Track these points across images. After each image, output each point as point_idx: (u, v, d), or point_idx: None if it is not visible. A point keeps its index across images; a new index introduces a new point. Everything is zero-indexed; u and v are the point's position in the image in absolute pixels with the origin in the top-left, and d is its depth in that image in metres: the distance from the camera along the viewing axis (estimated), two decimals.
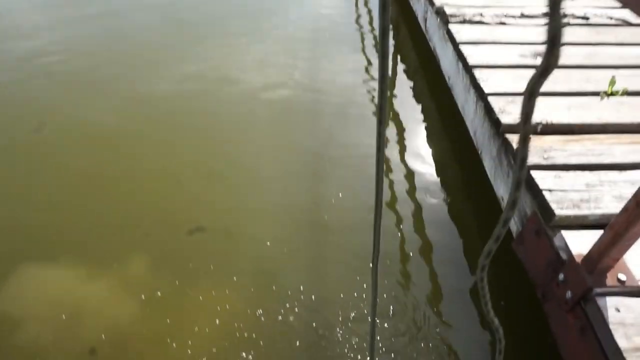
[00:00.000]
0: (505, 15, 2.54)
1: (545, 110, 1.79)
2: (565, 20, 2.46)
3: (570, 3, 2.76)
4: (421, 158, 2.42)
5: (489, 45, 2.25)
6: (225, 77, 3.04)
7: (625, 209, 1.03)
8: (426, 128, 2.65)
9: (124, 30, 3.64)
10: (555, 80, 1.97)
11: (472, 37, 2.33)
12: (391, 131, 2.63)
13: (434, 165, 2.37)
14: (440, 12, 2.61)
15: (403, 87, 3.06)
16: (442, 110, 2.67)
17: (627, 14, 2.58)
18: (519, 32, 2.42)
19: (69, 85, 2.97)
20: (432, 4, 2.75)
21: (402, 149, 2.50)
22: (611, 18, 2.56)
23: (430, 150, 2.48)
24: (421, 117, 2.76)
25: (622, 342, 1.07)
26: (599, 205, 1.38)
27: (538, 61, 2.10)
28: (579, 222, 1.37)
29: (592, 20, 2.53)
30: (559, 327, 1.29)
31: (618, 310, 1.13)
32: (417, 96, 2.96)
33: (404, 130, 2.66)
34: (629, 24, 2.53)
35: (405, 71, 3.21)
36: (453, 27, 2.41)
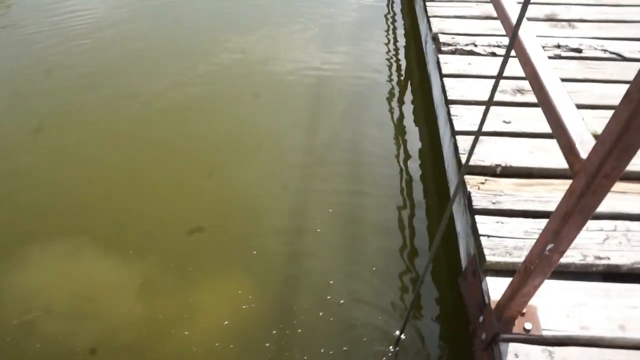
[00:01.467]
0: (498, 45, 2.61)
1: (507, 152, 1.91)
2: (557, 52, 2.55)
3: (568, 32, 2.79)
4: (404, 178, 2.57)
5: (472, 79, 2.35)
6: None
7: (518, 271, 1.17)
8: (416, 150, 2.79)
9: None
10: (526, 119, 2.07)
11: (459, 69, 2.42)
12: (384, 144, 2.80)
13: (411, 188, 2.52)
14: (435, 39, 2.71)
15: (407, 103, 3.18)
16: (432, 137, 2.77)
17: (622, 48, 2.60)
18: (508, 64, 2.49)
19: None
20: (430, 29, 2.85)
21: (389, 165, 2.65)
22: (605, 51, 2.59)
23: (417, 173, 2.62)
24: (414, 138, 2.90)
25: None
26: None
27: (517, 97, 2.21)
28: (508, 268, 1.50)
29: (584, 54, 2.57)
30: None
31: (516, 356, 1.27)
32: (416, 115, 3.08)
33: (396, 146, 2.80)
34: (623, 58, 2.55)
35: (410, 86, 3.33)
36: (442, 58, 2.51)
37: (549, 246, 1.06)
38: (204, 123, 2.96)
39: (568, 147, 1.02)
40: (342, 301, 1.97)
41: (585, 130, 1.03)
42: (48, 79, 3.32)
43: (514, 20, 1.47)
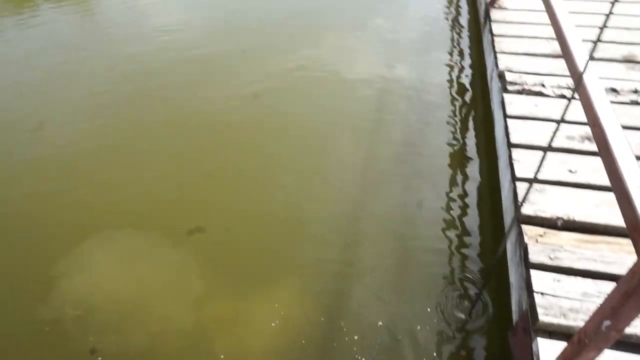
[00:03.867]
0: (569, 88, 2.52)
1: (571, 204, 1.83)
2: (634, 98, 2.42)
3: None
4: (457, 217, 2.52)
5: (538, 122, 2.28)
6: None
7: (571, 341, 1.13)
8: (474, 190, 2.73)
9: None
10: (594, 169, 1.98)
11: (524, 111, 2.36)
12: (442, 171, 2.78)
13: (468, 234, 2.46)
14: (501, 77, 2.66)
15: (470, 135, 3.13)
16: (492, 175, 2.70)
17: None
18: (577, 107, 2.39)
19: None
20: (496, 65, 2.80)
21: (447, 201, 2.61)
22: None
23: (473, 213, 2.56)
24: (474, 173, 2.83)
25: None
26: (587, 318, 1.44)
27: (586, 145, 2.12)
28: (562, 331, 1.44)
29: None
30: None
31: None
32: (479, 149, 3.01)
33: (453, 179, 2.75)
34: None
35: (472, 118, 3.27)
36: (507, 97, 2.46)
37: (606, 322, 1.02)
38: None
39: (633, 223, 0.99)
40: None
41: None
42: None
43: (578, 62, 1.45)
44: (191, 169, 2.88)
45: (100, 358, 1.94)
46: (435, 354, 1.90)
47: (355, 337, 1.97)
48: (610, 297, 1.02)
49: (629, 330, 1.41)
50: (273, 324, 2.03)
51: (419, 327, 1.99)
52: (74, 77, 3.84)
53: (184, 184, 2.77)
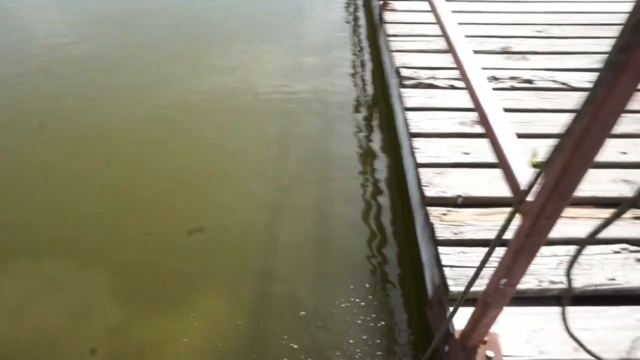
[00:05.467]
0: (457, 78, 2.75)
1: (467, 182, 2.01)
2: (512, 84, 2.72)
3: (522, 64, 2.97)
4: (372, 207, 2.65)
5: (433, 112, 2.47)
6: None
7: (477, 304, 1.25)
8: (381, 181, 2.88)
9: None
10: (484, 150, 2.19)
11: (420, 103, 2.55)
12: (352, 169, 2.88)
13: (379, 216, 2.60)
14: (398, 73, 2.84)
15: (375, 134, 3.29)
16: (399, 167, 2.87)
17: (570, 78, 2.79)
18: (466, 96, 2.63)
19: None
20: (393, 62, 2.98)
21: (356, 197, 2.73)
22: (555, 81, 2.77)
23: (384, 200, 2.70)
24: (381, 166, 2.99)
25: None
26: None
27: (475, 129, 2.33)
28: (471, 297, 1.57)
29: (536, 84, 2.75)
30: None
31: None
32: (385, 143, 3.18)
33: (364, 175, 2.88)
34: (572, 88, 2.73)
35: (377, 114, 3.44)
36: (405, 92, 2.63)
37: (503, 280, 1.14)
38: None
39: (514, 189, 1.11)
40: (319, 324, 2.03)
41: (530, 173, 1.12)
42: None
43: (462, 56, 1.60)
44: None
45: None
46: (355, 334, 1.99)
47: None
48: (504, 258, 1.14)
49: (522, 287, 1.59)
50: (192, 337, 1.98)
51: (336, 311, 2.06)
52: None
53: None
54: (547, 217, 0.98)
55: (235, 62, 3.95)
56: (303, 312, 2.08)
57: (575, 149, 0.87)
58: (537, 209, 0.98)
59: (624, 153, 2.23)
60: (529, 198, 1.03)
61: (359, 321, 2.04)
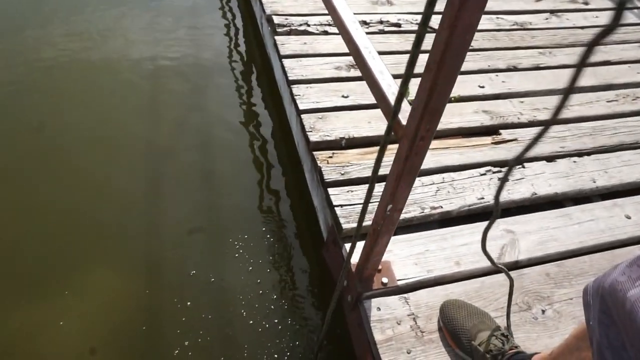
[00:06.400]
0: (329, 24, 2.74)
1: (349, 124, 2.05)
2: (380, 27, 2.79)
3: (388, 9, 3.05)
4: (261, 161, 2.60)
5: (309, 58, 2.44)
6: None
7: (369, 234, 1.28)
8: (268, 132, 2.82)
9: None
10: (362, 92, 2.23)
11: (296, 49, 2.49)
12: (236, 129, 2.77)
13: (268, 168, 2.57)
14: (270, 21, 2.74)
15: (255, 89, 3.17)
16: (282, 117, 2.83)
17: (434, 19, 2.94)
18: (339, 41, 2.64)
19: None
20: (264, 10, 2.86)
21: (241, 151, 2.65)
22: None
23: (272, 153, 2.66)
24: (266, 120, 2.92)
25: (377, 336, 1.35)
26: None
27: (352, 72, 2.36)
28: (363, 232, 1.62)
29: (403, 27, 2.85)
30: (348, 323, 1.56)
31: (379, 309, 1.40)
32: (265, 96, 3.10)
33: (248, 130, 2.80)
34: (435, 30, 2.88)
35: (253, 66, 3.32)
36: (279, 39, 2.55)
37: (389, 207, 1.17)
38: None
39: (390, 117, 1.13)
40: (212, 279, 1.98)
41: (404, 100, 1.14)
42: None
43: (334, 1, 1.56)
44: None
45: None
46: (258, 281, 1.99)
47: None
48: (387, 185, 1.17)
49: (407, 215, 1.69)
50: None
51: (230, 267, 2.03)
52: None
53: None
54: (422, 137, 1.01)
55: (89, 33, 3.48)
56: (194, 271, 2.00)
57: (439, 67, 0.89)
58: (412, 131, 1.01)
59: (482, 87, 2.44)
60: (403, 122, 1.05)
61: (257, 279, 2.02)
